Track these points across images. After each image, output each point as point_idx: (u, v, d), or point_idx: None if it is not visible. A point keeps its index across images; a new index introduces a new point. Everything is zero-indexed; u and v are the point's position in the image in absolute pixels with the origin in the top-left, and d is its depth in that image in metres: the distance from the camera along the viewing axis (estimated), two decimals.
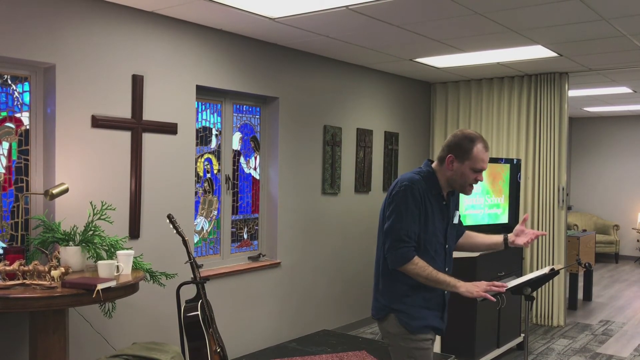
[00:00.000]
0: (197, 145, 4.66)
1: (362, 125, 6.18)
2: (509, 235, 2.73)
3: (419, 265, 2.45)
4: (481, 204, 5.22)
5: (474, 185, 2.57)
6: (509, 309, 5.21)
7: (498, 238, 2.76)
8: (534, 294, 3.47)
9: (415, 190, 2.48)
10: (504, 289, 2.46)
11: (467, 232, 2.86)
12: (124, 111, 4.00)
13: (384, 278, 2.61)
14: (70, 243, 3.38)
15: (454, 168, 2.52)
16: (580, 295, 7.62)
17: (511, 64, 5.88)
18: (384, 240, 2.55)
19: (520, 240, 2.67)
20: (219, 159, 4.94)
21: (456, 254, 4.92)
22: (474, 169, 2.51)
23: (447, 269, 2.66)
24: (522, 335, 5.35)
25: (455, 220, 2.71)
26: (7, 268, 2.97)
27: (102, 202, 3.65)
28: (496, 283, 2.45)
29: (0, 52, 3.36)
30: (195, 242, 4.68)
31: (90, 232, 3.42)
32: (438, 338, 4.90)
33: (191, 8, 4.04)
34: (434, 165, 2.60)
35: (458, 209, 2.75)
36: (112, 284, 3.06)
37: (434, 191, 2.55)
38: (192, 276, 3.79)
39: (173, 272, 3.99)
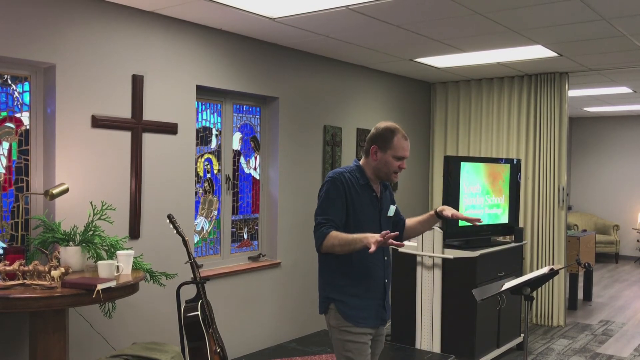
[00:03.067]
0: (197, 145, 4.66)
1: (362, 125, 6.18)
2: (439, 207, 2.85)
3: (331, 236, 2.55)
4: (481, 204, 5.22)
5: (397, 173, 2.73)
6: (509, 309, 5.21)
7: (429, 213, 2.86)
8: (534, 294, 3.47)
9: (337, 181, 2.66)
10: (398, 246, 2.51)
11: (407, 221, 2.98)
12: (124, 111, 4.00)
13: (323, 271, 2.75)
14: (71, 243, 3.38)
15: (378, 158, 2.70)
16: (580, 295, 7.62)
17: (511, 64, 5.88)
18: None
19: (448, 212, 2.75)
20: (219, 159, 4.94)
21: (456, 255, 4.94)
22: (396, 157, 2.69)
23: (385, 258, 2.79)
24: (522, 335, 5.35)
25: (390, 213, 2.84)
26: (7, 268, 2.97)
27: (102, 202, 3.65)
28: (389, 235, 2.40)
29: (0, 52, 3.36)
30: (195, 242, 4.68)
31: (91, 232, 3.42)
32: (437, 337, 4.90)
33: (191, 8, 4.04)
34: (361, 161, 2.79)
35: (394, 204, 2.89)
36: (112, 284, 3.06)
37: (362, 181, 2.72)
38: (192, 276, 3.79)
39: (173, 272, 3.99)
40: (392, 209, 2.85)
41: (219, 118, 4.92)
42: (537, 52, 5.27)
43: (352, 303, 2.67)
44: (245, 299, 4.96)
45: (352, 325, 2.66)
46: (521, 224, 6.26)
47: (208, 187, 4.86)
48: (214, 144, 4.89)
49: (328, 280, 2.73)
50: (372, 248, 2.39)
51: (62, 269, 3.00)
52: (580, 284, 7.63)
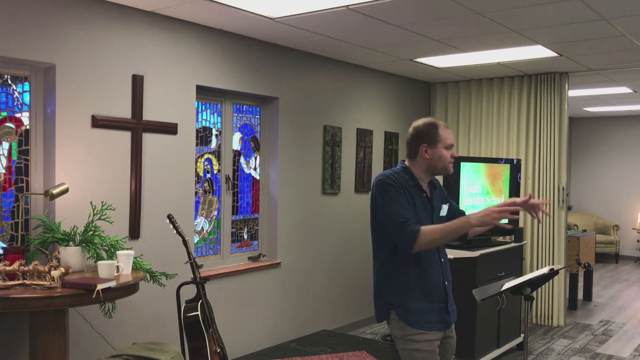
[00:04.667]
0: (197, 145, 4.66)
1: (362, 125, 6.18)
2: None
3: (427, 231, 2.50)
4: (481, 204, 5.22)
5: (452, 163, 2.70)
6: (509, 309, 5.21)
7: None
8: (534, 294, 3.46)
9: (390, 180, 2.61)
10: (516, 207, 2.45)
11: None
12: (124, 111, 4.00)
13: (381, 278, 2.68)
14: (70, 243, 3.38)
15: (430, 155, 2.65)
16: (580, 295, 7.62)
17: (511, 64, 5.88)
18: (389, 236, 2.60)
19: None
20: (219, 159, 4.94)
21: (456, 255, 4.94)
22: (446, 147, 2.66)
23: (442, 260, 2.72)
24: (522, 335, 5.35)
25: (443, 213, 2.76)
26: (7, 268, 2.97)
27: (102, 202, 3.65)
28: (505, 205, 2.44)
29: (0, 52, 3.36)
30: (195, 242, 4.68)
31: (90, 232, 3.42)
32: None
33: (191, 8, 4.04)
34: (406, 162, 2.74)
35: (446, 203, 2.81)
36: (112, 284, 3.06)
37: (411, 182, 2.66)
38: (192, 276, 3.79)
39: (173, 272, 3.99)
40: (444, 209, 2.77)
41: (219, 118, 4.92)
42: (537, 52, 5.27)
43: (413, 307, 2.57)
44: (245, 299, 4.96)
45: (417, 332, 2.55)
46: (521, 224, 6.26)
47: (208, 187, 4.86)
48: (214, 144, 4.89)
49: (385, 285, 2.65)
50: (500, 220, 2.40)
51: (62, 269, 3.00)
52: (580, 284, 7.63)
